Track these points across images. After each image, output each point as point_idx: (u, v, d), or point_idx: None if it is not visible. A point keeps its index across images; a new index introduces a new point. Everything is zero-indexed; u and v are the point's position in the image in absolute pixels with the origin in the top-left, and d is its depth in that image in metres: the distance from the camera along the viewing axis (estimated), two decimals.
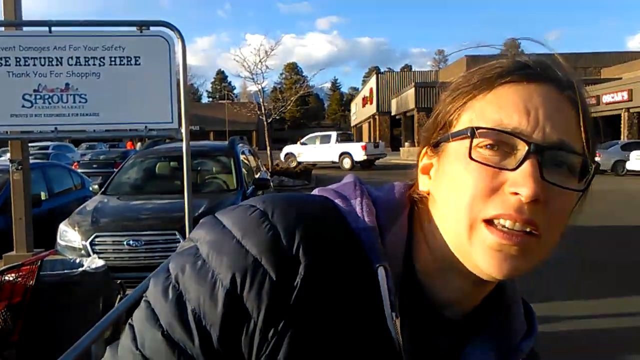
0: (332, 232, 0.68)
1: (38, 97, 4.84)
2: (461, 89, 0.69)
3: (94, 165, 19.02)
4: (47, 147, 22.08)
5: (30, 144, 6.73)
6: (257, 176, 8.68)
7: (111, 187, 7.28)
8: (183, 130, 4.90)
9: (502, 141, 0.64)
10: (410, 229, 0.73)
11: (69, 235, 5.89)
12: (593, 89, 35.39)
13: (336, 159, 27.98)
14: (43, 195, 8.09)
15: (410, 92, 44.85)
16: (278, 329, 0.63)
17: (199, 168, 7.81)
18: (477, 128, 0.64)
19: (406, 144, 45.24)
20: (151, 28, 4.94)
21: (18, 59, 4.82)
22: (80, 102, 4.87)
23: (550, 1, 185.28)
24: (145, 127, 4.96)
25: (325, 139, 29.62)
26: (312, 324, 0.64)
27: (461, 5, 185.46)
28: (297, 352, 0.63)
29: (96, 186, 7.70)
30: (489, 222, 0.63)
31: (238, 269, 0.63)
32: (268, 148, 22.98)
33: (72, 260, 4.69)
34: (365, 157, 27.74)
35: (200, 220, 0.71)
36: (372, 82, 61.36)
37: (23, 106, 4.83)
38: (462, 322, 0.73)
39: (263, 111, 22.99)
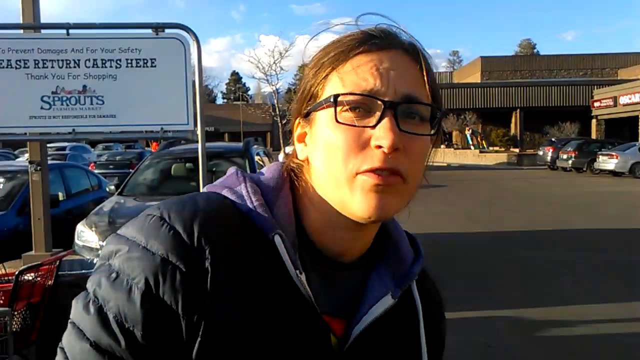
0: (225, 217, 0.75)
1: (56, 99, 4.89)
2: (322, 62, 0.78)
3: (111, 166, 19.20)
4: (64, 148, 22.29)
5: (47, 145, 6.80)
6: None
7: (127, 188, 7.34)
8: (199, 131, 4.93)
9: (362, 102, 0.73)
10: (295, 198, 0.82)
11: (86, 235, 5.95)
12: (610, 90, 35.02)
13: None
14: (61, 196, 8.17)
15: None
16: (202, 312, 0.69)
17: (214, 169, 7.83)
18: (338, 95, 0.73)
19: None
20: (167, 30, 4.97)
21: (37, 61, 4.88)
22: (97, 103, 4.91)
23: (566, 2, 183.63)
24: (161, 128, 4.99)
25: None
26: (231, 300, 0.71)
27: (475, 5, 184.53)
28: (224, 328, 0.70)
29: (113, 187, 7.76)
30: (362, 173, 0.73)
31: (149, 271, 0.69)
32: (282, 149, 23.02)
33: (89, 260, 4.74)
34: None
35: (105, 241, 0.77)
36: None
37: (42, 108, 4.88)
38: (360, 263, 0.83)
39: (277, 112, 23.07)
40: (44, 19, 5.35)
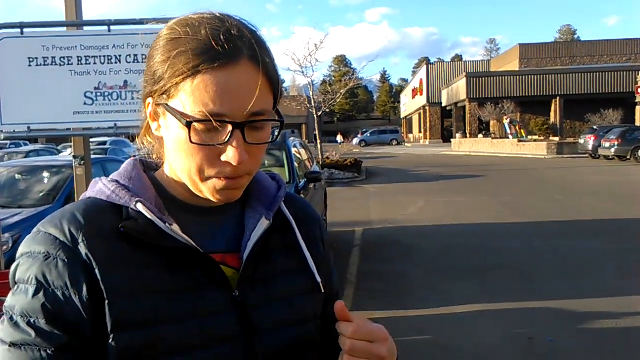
0: (93, 209, 0.87)
1: (99, 94, 5.00)
2: (176, 67, 0.81)
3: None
4: (104, 143, 22.82)
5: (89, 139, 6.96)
6: (309, 169, 8.72)
7: None
8: None
9: (212, 123, 0.79)
10: (154, 176, 0.95)
11: None
12: None
13: None
14: None
15: (462, 82, 43.99)
16: (96, 283, 0.80)
17: None
18: (191, 122, 0.80)
19: (457, 135, 44.47)
20: None
21: (80, 58, 4.99)
22: (138, 98, 4.97)
23: None
24: None
25: None
26: (120, 265, 0.82)
27: None
28: (123, 286, 0.82)
29: None
30: (214, 177, 0.84)
31: (37, 270, 0.81)
32: (318, 141, 23.06)
33: None
34: None
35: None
36: (422, 73, 60.57)
37: (85, 104, 4.99)
38: (235, 205, 0.94)
39: (313, 104, 23.07)
40: (86, 18, 5.47)
